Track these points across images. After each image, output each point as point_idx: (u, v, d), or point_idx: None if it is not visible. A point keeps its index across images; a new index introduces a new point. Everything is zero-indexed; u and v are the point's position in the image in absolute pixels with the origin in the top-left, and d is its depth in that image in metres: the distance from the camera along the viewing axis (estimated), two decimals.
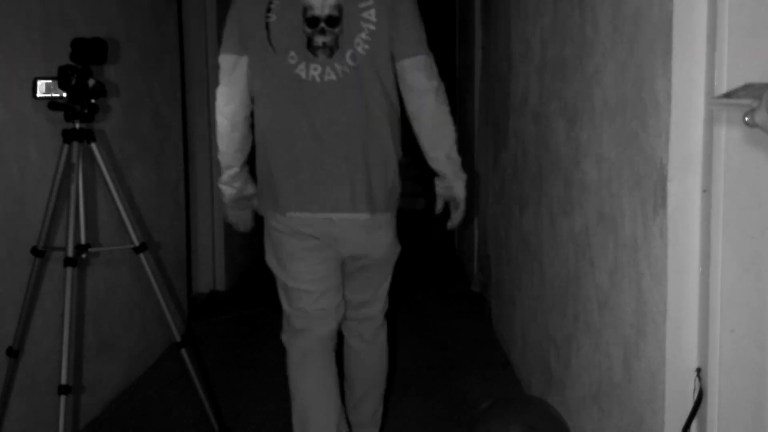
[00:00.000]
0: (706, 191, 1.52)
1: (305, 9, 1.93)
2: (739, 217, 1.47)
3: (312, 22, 1.94)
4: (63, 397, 2.02)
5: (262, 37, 1.96)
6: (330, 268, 2.11)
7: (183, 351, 2.41)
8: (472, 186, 2.21)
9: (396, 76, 2.02)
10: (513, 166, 3.29)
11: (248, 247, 5.58)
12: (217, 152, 2.12)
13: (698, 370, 1.57)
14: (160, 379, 3.23)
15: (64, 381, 2.03)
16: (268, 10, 1.95)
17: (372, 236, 2.11)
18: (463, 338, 3.85)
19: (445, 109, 2.05)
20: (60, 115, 2.16)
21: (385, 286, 2.27)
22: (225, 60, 2.03)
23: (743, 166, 1.46)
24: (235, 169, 2.11)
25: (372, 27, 1.94)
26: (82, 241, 2.22)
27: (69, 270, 2.09)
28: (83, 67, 2.16)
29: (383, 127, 2.05)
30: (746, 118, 1.02)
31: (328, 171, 2.00)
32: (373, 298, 2.26)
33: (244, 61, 2.01)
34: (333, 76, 1.96)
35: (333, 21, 1.94)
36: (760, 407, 1.52)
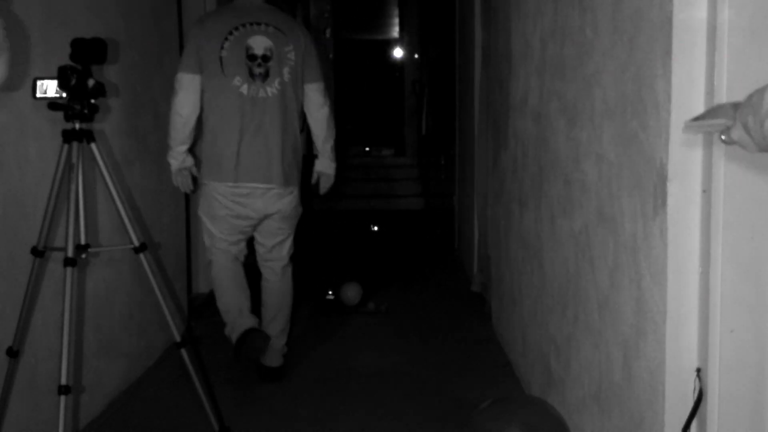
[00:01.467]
0: (706, 191, 1.52)
1: (248, 48, 3.00)
2: (739, 218, 1.47)
3: (252, 58, 3.01)
4: (63, 397, 2.02)
5: (217, 65, 2.98)
6: (242, 228, 3.17)
7: (183, 351, 2.41)
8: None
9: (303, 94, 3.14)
10: (513, 166, 3.29)
11: (248, 247, 5.58)
12: (168, 137, 3.07)
13: (698, 370, 1.57)
14: (160, 379, 3.23)
15: (64, 381, 2.03)
16: (222, 47, 2.98)
17: (282, 200, 3.11)
18: (463, 338, 3.85)
19: (331, 116, 3.21)
20: (60, 115, 2.16)
21: (291, 234, 3.26)
22: (184, 77, 2.99)
23: (743, 166, 1.46)
24: (183, 149, 3.07)
25: (292, 63, 3.06)
26: (82, 241, 2.22)
27: (69, 270, 2.09)
28: (83, 67, 2.16)
29: (295, 129, 3.13)
30: (722, 137, 1.05)
31: (257, 155, 3.02)
32: (281, 244, 3.25)
33: (198, 78, 3.00)
34: (263, 94, 3.02)
35: (266, 58, 3.02)
36: (760, 407, 1.52)
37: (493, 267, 3.95)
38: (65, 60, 2.17)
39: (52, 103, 2.15)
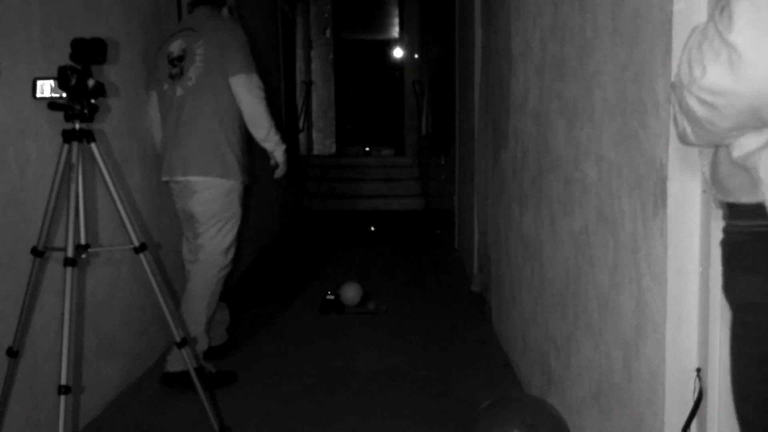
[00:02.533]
0: (706, 191, 1.52)
1: (168, 54, 3.20)
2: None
3: (171, 61, 3.18)
4: (63, 397, 2.02)
5: (156, 75, 3.26)
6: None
7: (183, 351, 2.41)
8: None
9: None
10: (513, 166, 3.29)
11: (248, 247, 5.58)
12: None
13: (698, 370, 1.57)
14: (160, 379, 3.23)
15: (64, 381, 2.03)
16: (157, 60, 3.24)
17: (203, 193, 3.14)
18: (463, 338, 3.85)
19: (260, 109, 3.13)
20: (60, 115, 2.16)
21: (213, 230, 3.21)
22: (147, 95, 3.33)
23: None
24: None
25: (201, 57, 3.09)
26: (82, 241, 2.22)
27: (69, 270, 2.09)
28: (83, 67, 2.16)
29: (213, 121, 3.11)
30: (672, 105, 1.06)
31: (175, 151, 3.15)
32: (201, 240, 3.23)
33: (154, 94, 3.30)
34: (180, 93, 3.14)
35: (180, 59, 3.15)
36: None
37: (493, 267, 3.95)
38: (65, 60, 2.16)
39: (52, 103, 2.15)
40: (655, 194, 1.61)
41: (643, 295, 1.69)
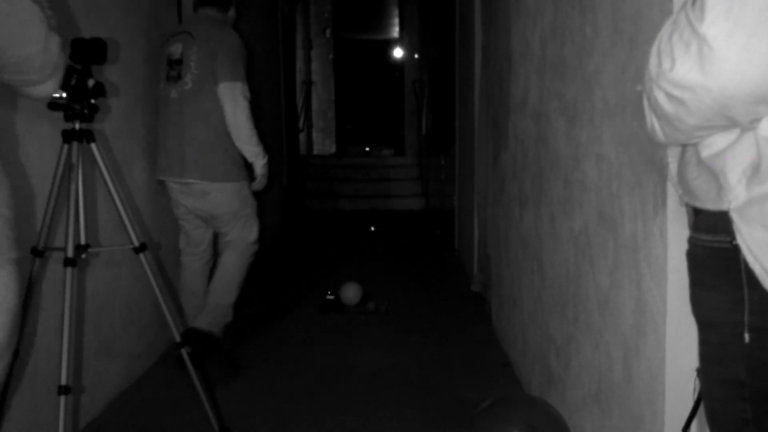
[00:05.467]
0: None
1: (168, 56, 3.27)
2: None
3: (170, 63, 3.25)
4: (63, 397, 2.02)
5: (158, 75, 3.34)
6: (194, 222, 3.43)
7: (183, 351, 2.41)
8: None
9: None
10: (513, 166, 3.29)
11: None
12: None
13: (698, 370, 1.57)
14: (160, 379, 3.23)
15: (64, 381, 2.03)
16: (160, 59, 3.31)
17: (209, 196, 3.26)
18: (463, 338, 3.85)
19: (242, 117, 3.17)
20: (60, 115, 2.16)
21: (228, 225, 3.38)
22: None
23: None
24: None
25: (195, 63, 3.17)
26: (82, 241, 2.22)
27: (69, 270, 2.09)
28: (83, 67, 2.16)
29: (210, 125, 3.19)
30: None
31: (171, 151, 3.23)
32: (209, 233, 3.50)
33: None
34: (175, 95, 3.21)
35: (178, 62, 3.22)
36: None
37: (493, 267, 3.95)
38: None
39: (52, 103, 2.15)
40: (655, 194, 1.61)
41: (643, 295, 1.69)
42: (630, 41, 1.74)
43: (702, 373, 1.09)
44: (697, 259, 1.06)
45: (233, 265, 3.37)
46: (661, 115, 0.97)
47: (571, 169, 2.30)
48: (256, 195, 3.45)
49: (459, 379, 3.25)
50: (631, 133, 1.75)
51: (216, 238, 3.52)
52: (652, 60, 0.96)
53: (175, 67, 3.21)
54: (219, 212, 3.28)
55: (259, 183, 3.35)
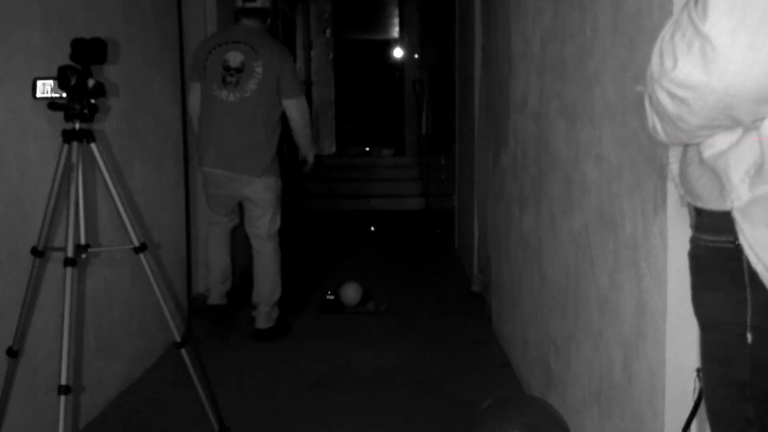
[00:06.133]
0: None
1: (224, 61, 3.67)
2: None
3: (227, 69, 3.67)
4: (63, 397, 2.02)
5: (202, 72, 3.72)
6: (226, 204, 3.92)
7: (183, 351, 2.41)
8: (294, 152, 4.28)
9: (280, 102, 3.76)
10: (513, 166, 3.29)
11: (248, 247, 5.57)
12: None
13: (698, 370, 1.57)
14: (160, 379, 3.23)
15: (64, 381, 2.02)
16: (207, 59, 3.70)
17: (250, 186, 3.74)
18: (463, 338, 3.85)
19: (306, 125, 3.89)
20: (60, 115, 2.16)
21: (269, 213, 3.85)
22: (189, 84, 3.87)
23: None
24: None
25: (260, 77, 3.65)
26: (82, 241, 2.22)
27: (69, 270, 2.09)
28: (83, 67, 2.16)
29: (262, 128, 3.70)
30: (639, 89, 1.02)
31: (223, 148, 3.69)
32: (260, 220, 3.86)
33: (197, 85, 3.78)
34: (233, 99, 3.65)
35: (238, 70, 3.66)
36: None
37: (493, 267, 3.95)
38: (65, 60, 2.16)
39: (52, 103, 2.15)
40: (655, 194, 1.61)
41: (643, 295, 1.69)
42: (630, 41, 1.74)
43: (704, 373, 1.09)
44: (700, 259, 1.06)
45: (267, 260, 3.90)
46: (663, 115, 0.97)
47: (571, 170, 2.30)
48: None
49: (459, 379, 3.25)
50: (631, 133, 1.75)
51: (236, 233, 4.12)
52: (654, 60, 0.95)
53: (234, 74, 3.64)
54: (257, 197, 3.76)
55: (309, 167, 4.14)
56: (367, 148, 11.52)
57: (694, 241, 1.07)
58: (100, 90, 2.19)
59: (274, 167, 3.80)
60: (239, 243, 5.23)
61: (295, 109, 3.78)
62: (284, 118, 3.83)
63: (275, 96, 3.71)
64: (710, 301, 1.04)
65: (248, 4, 3.75)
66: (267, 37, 3.84)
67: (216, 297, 4.04)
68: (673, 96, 0.92)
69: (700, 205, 1.04)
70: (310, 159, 4.10)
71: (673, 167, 1.11)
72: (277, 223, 3.94)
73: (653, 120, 1.01)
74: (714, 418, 1.09)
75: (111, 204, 2.34)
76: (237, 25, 3.82)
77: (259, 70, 3.65)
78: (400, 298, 4.65)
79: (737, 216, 0.95)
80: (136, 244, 2.33)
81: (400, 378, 3.28)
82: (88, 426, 2.72)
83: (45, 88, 2.17)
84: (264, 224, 3.85)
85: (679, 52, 0.90)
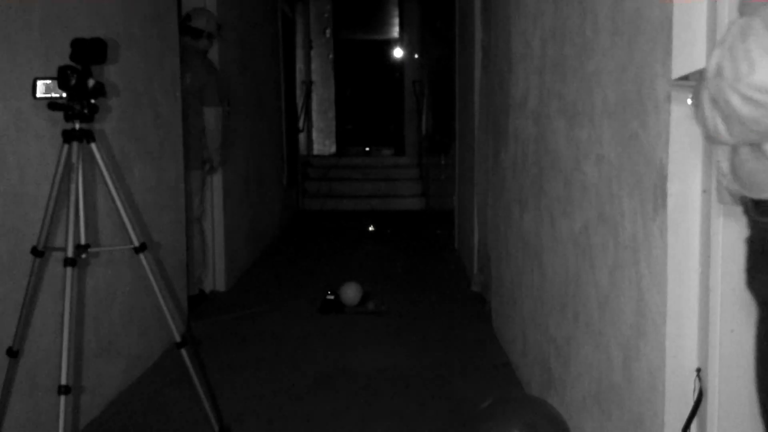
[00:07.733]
0: (706, 191, 1.52)
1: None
2: (739, 218, 1.47)
3: None
4: (63, 397, 2.01)
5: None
6: None
7: (183, 351, 2.41)
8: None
9: None
10: (513, 166, 3.29)
11: (248, 247, 5.58)
12: None
13: (698, 370, 1.57)
14: (160, 379, 3.23)
15: (64, 381, 2.02)
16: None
17: None
18: (463, 338, 3.85)
19: (216, 133, 4.45)
20: (60, 115, 2.16)
21: None
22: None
23: None
24: None
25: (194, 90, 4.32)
26: (82, 241, 2.22)
27: (69, 270, 2.09)
28: (83, 67, 2.16)
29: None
30: (690, 99, 1.04)
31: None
32: None
33: None
34: None
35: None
36: None
37: (493, 267, 3.95)
38: (65, 60, 2.16)
39: (52, 103, 2.15)
40: (655, 194, 1.61)
41: (643, 295, 1.69)
42: (630, 41, 1.74)
43: (761, 351, 1.12)
44: (760, 241, 1.10)
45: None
46: (732, 118, 0.99)
47: (571, 170, 2.30)
48: (259, 194, 3.99)
49: (459, 379, 3.25)
50: (631, 133, 1.75)
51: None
52: (726, 64, 0.97)
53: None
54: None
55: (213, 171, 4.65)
56: (367, 148, 11.53)
57: (757, 225, 1.10)
58: (100, 90, 2.19)
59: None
60: (241, 242, 5.23)
61: (212, 118, 4.38)
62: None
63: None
64: None
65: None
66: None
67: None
68: (748, 99, 0.94)
69: (755, 196, 1.07)
70: (215, 164, 4.58)
71: (723, 165, 1.13)
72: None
73: (715, 122, 1.03)
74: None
75: (111, 204, 2.34)
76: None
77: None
78: (400, 298, 4.65)
79: None
80: (136, 244, 2.33)
81: (400, 378, 3.28)
82: (88, 426, 2.72)
83: (45, 88, 2.17)
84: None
85: (755, 55, 0.92)
